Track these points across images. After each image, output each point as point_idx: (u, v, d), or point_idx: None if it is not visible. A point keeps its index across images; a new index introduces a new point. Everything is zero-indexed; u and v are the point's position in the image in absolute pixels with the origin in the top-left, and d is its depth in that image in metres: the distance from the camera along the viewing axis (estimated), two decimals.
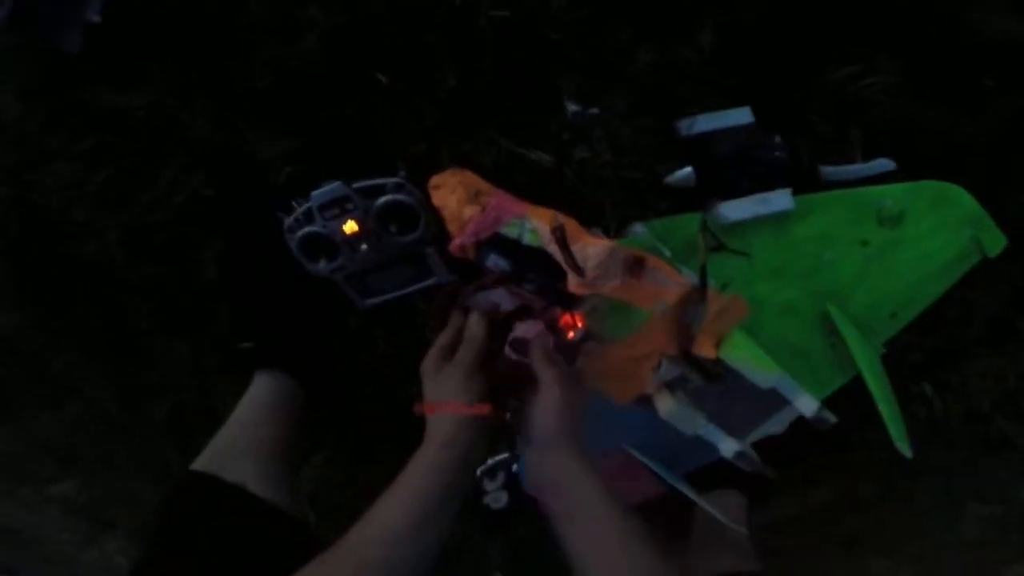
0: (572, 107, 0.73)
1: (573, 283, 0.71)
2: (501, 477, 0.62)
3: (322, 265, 0.78)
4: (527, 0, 0.69)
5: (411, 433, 0.61)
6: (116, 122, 0.82)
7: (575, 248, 0.70)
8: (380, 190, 0.74)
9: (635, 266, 0.72)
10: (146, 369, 1.00)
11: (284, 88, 0.78)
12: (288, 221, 0.75)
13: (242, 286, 0.85)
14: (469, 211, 0.72)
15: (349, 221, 0.74)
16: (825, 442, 0.91)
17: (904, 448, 0.77)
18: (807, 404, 0.80)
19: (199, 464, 0.73)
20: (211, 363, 0.97)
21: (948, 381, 0.97)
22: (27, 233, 0.89)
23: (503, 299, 0.74)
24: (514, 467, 0.61)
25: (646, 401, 0.81)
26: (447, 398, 0.63)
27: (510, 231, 0.72)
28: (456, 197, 0.71)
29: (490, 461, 0.62)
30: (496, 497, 0.61)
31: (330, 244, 0.76)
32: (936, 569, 1.48)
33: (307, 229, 0.75)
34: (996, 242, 0.79)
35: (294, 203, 0.75)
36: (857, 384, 0.81)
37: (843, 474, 1.13)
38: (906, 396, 0.97)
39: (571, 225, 0.71)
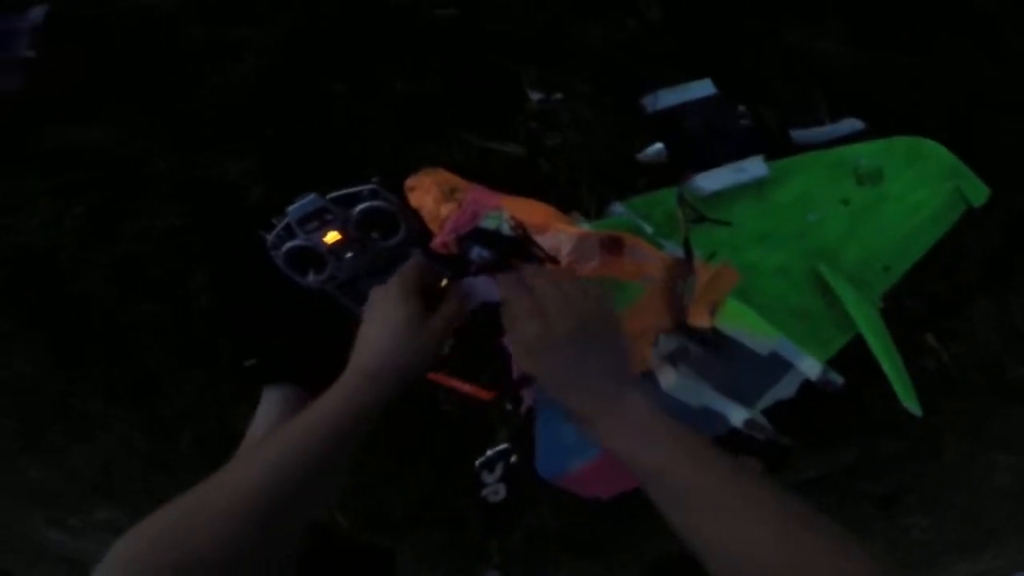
0: (535, 95, 0.73)
1: (552, 270, 0.71)
2: (499, 469, 0.58)
3: (311, 277, 0.79)
4: None
5: (435, 431, 0.59)
6: (83, 157, 0.82)
7: (548, 236, 0.70)
8: (356, 198, 0.74)
9: (612, 246, 0.72)
10: (165, 403, 1.01)
11: (234, 108, 0.78)
12: (270, 238, 0.76)
13: (237, 307, 0.87)
14: (446, 209, 0.72)
15: (330, 232, 0.75)
16: (840, 402, 0.91)
17: (912, 406, 0.77)
18: (810, 366, 0.79)
19: None
20: (226, 389, 0.98)
21: (955, 330, 0.96)
22: (21, 276, 0.90)
23: (492, 291, 0.74)
24: (512, 458, 0.58)
25: (651, 377, 0.81)
26: (381, 309, 0.61)
27: (489, 223, 0.72)
28: (432, 197, 0.72)
29: (489, 452, 0.59)
30: (494, 490, 0.58)
31: (316, 256, 0.77)
32: (978, 521, 1.45)
33: (290, 244, 0.76)
34: (978, 192, 0.78)
35: (273, 220, 0.76)
36: (862, 342, 0.80)
37: (865, 433, 1.10)
38: (912, 349, 0.95)
39: (546, 213, 0.71)
